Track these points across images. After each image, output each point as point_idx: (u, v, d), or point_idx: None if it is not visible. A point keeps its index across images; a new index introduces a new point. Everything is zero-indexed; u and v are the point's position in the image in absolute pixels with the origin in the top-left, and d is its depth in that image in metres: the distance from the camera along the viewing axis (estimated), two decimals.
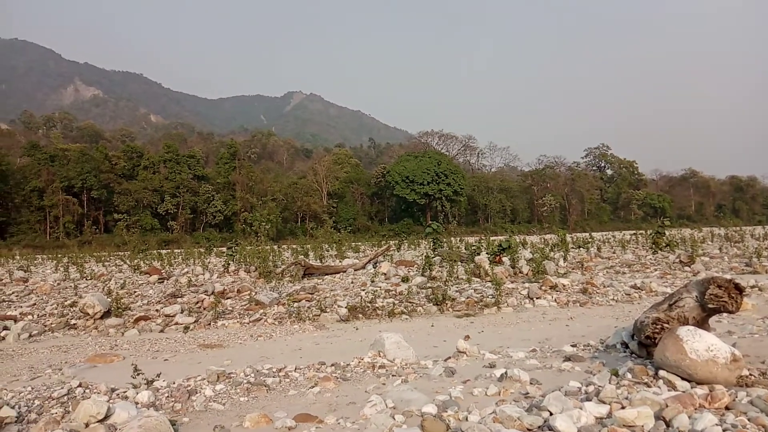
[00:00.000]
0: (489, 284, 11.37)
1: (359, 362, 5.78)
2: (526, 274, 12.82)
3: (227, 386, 5.03)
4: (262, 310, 9.90)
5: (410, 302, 10.26)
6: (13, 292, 12.76)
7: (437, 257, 15.28)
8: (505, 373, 4.79)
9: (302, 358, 6.42)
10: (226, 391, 4.92)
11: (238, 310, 10.13)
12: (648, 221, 65.77)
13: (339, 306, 9.85)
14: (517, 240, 18.75)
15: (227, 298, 10.96)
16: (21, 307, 10.90)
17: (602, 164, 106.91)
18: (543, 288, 11.06)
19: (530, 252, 15.49)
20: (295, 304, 9.93)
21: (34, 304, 11.26)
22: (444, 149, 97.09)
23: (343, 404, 4.50)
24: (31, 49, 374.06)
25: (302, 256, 17.84)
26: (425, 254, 15.65)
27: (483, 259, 13.54)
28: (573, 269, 14.32)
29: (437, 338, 7.69)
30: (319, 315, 9.42)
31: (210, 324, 9.26)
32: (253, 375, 5.37)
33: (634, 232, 32.78)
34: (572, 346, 6.16)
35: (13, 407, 4.51)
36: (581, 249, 20.41)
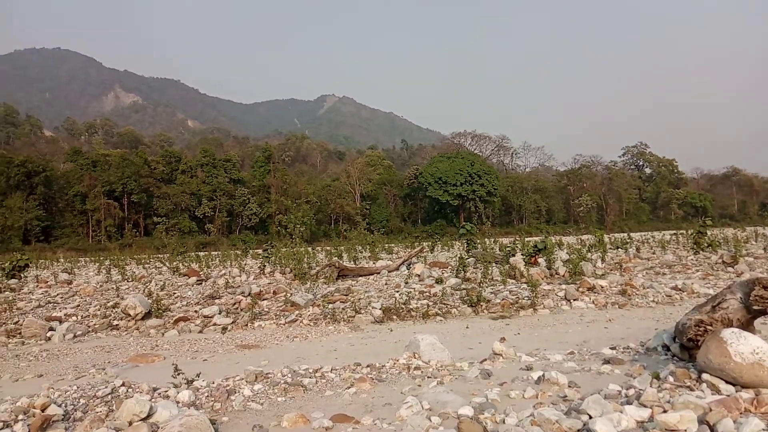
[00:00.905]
0: (524, 286, 11.25)
1: (394, 363, 5.79)
2: (563, 276, 12.63)
3: (265, 386, 5.11)
4: (297, 312, 10.01)
5: (444, 304, 10.22)
6: (57, 294, 13.17)
7: (471, 258, 15.20)
8: (543, 375, 4.73)
9: (337, 359, 6.47)
10: (264, 391, 5.00)
11: (274, 311, 10.26)
12: (689, 221, 63.90)
13: (373, 307, 9.88)
14: (553, 241, 18.49)
15: (263, 300, 11.11)
16: (65, 308, 11.24)
17: (640, 163, 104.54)
18: (580, 289, 10.87)
19: (566, 253, 15.26)
20: (330, 306, 10.01)
21: (78, 305, 11.58)
22: (477, 150, 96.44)
23: (379, 405, 4.52)
24: (74, 58, 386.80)
25: (336, 258, 17.96)
26: (459, 255, 15.58)
27: (518, 260, 13.40)
28: (611, 270, 14.03)
29: (472, 340, 7.65)
30: (354, 316, 9.47)
31: (247, 325, 9.40)
32: (290, 375, 5.43)
33: (674, 232, 31.91)
34: (611, 348, 6.04)
35: (59, 405, 4.66)
36: (619, 250, 19.98)
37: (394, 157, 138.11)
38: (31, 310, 11.15)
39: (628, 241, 23.13)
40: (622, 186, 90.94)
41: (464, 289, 11.19)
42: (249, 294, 11.38)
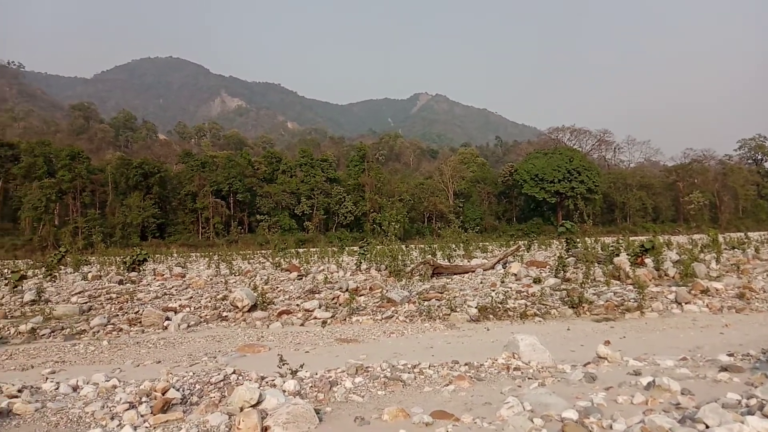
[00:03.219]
0: (630, 287, 10.72)
1: (493, 363, 5.74)
2: (673, 277, 11.88)
3: (365, 379, 5.24)
4: (393, 308, 10.15)
5: (543, 304, 9.96)
6: (172, 286, 14.18)
7: (571, 258, 14.66)
8: (653, 381, 4.50)
9: (434, 356, 6.49)
10: (365, 384, 5.13)
11: (370, 307, 10.47)
12: None
13: (469, 306, 9.82)
14: (661, 240, 17.39)
15: (360, 295, 11.37)
16: (180, 299, 12.08)
17: (759, 157, 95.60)
18: (692, 292, 10.19)
19: (676, 253, 14.32)
20: (426, 303, 10.06)
21: (191, 297, 12.40)
22: (576, 145, 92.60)
23: (478, 404, 4.50)
24: (184, 66, 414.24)
25: (430, 256, 17.99)
26: (558, 255, 15.08)
27: (623, 260, 12.77)
28: (727, 272, 13.00)
29: (574, 342, 7.41)
30: (449, 314, 9.46)
31: (345, 319, 9.67)
32: (389, 370, 5.54)
33: None
34: (729, 355, 5.64)
35: (178, 390, 5.06)
36: (736, 250, 18.46)
37: (488, 154, 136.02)
38: (150, 300, 12.07)
39: (746, 241, 21.35)
40: (738, 182, 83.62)
41: (564, 289, 10.84)
42: (346, 290, 11.68)
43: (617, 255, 13.79)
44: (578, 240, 20.26)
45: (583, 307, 9.64)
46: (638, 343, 7.18)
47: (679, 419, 3.57)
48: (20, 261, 27.28)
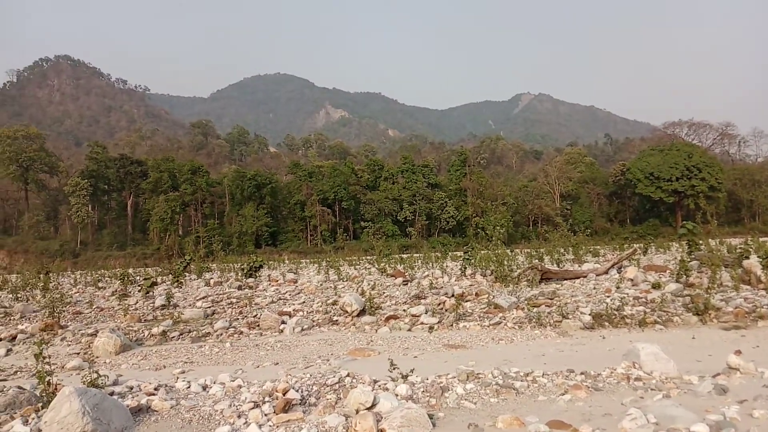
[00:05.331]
0: (763, 293, 9.83)
1: (611, 372, 5.48)
2: None
3: (477, 386, 5.21)
4: (501, 314, 9.98)
5: (664, 311, 9.34)
6: (286, 292, 14.87)
7: (694, 261, 13.63)
8: None
9: (546, 365, 6.31)
10: (476, 391, 5.10)
11: (477, 312, 10.36)
12: None
13: (582, 312, 9.43)
14: None
15: (466, 301, 11.28)
16: (293, 304, 12.63)
17: None
18: None
19: None
20: (535, 310, 9.79)
21: (303, 302, 12.93)
22: (695, 140, 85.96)
23: (597, 415, 4.33)
24: (291, 81, 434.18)
25: (537, 261, 17.48)
26: (679, 258, 14.08)
27: (753, 263, 11.68)
28: None
29: (700, 352, 6.90)
30: (561, 321, 9.14)
31: (452, 325, 9.64)
32: (500, 377, 5.46)
33: None
34: None
35: (297, 391, 5.31)
36: None
37: (597, 153, 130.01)
38: (266, 305, 12.73)
39: None
40: None
41: (687, 295, 10.11)
42: (452, 295, 11.64)
43: (746, 257, 12.64)
44: (701, 242, 18.77)
45: (710, 314, 8.94)
46: None
47: None
48: (150, 269, 29.84)
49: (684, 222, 19.36)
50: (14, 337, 10.23)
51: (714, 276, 11.28)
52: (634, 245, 23.19)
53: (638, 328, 8.76)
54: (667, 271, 13.31)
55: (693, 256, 14.81)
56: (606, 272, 14.18)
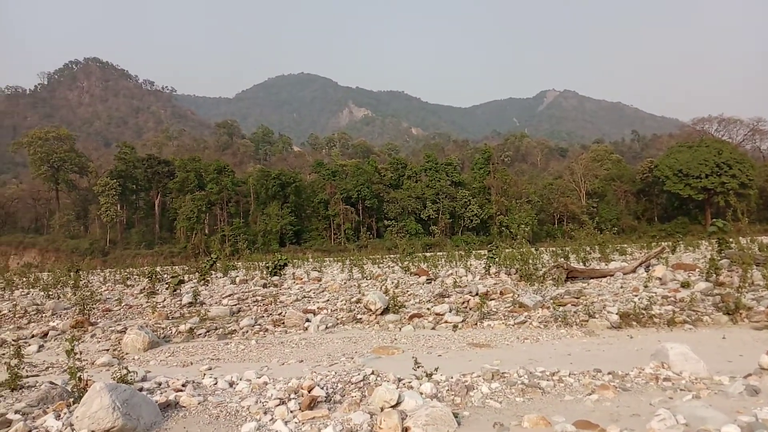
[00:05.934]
0: None
1: (639, 372, 5.39)
2: None
3: (502, 385, 5.17)
4: (526, 313, 9.89)
5: (694, 310, 9.15)
6: (311, 290, 14.95)
7: (724, 260, 13.33)
8: None
9: (573, 364, 6.24)
10: (502, 390, 5.06)
11: (502, 311, 10.28)
12: None
13: (609, 312, 9.29)
14: None
15: (491, 300, 11.19)
16: (317, 302, 12.68)
17: None
18: None
19: None
20: (561, 308, 9.68)
21: (328, 300, 12.97)
22: (725, 136, 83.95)
23: (625, 415, 4.27)
24: (314, 81, 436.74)
25: (563, 259, 17.27)
26: (709, 256, 13.78)
27: None
28: None
29: (731, 352, 6.74)
30: (587, 320, 9.02)
31: (476, 324, 9.58)
32: (526, 376, 5.41)
33: None
34: None
35: (322, 388, 5.33)
36: None
37: (624, 150, 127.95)
38: (291, 303, 12.81)
39: None
40: None
41: (717, 294, 9.89)
42: (476, 294, 11.57)
43: None
44: (732, 240, 18.35)
45: (741, 313, 8.73)
46: None
47: None
48: (177, 267, 30.29)
49: (714, 219, 18.93)
50: (46, 334, 10.49)
51: (745, 274, 11.01)
52: (663, 243, 22.78)
53: (667, 327, 8.60)
54: (697, 270, 13.04)
55: (723, 255, 14.48)
56: (633, 271, 13.95)
